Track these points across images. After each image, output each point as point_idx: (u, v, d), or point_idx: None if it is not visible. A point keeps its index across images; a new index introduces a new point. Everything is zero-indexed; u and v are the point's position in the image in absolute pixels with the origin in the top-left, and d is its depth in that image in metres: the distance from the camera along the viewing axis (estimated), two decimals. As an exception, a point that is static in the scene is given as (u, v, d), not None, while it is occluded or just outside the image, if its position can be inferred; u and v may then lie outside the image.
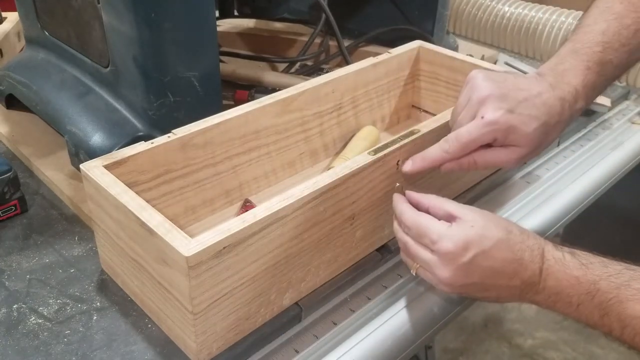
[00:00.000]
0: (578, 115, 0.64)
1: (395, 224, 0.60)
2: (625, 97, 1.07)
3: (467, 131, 0.59)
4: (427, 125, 0.66)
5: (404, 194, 0.60)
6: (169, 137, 0.61)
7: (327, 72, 0.97)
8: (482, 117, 0.58)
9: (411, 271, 0.58)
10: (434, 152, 0.61)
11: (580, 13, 1.11)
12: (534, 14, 1.16)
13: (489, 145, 0.60)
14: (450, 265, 0.53)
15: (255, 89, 0.92)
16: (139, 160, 0.59)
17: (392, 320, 0.62)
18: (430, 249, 0.54)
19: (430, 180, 0.68)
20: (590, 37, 0.65)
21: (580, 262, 0.54)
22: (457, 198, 0.75)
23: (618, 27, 0.65)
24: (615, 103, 1.04)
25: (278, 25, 1.15)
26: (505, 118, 0.58)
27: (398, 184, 0.63)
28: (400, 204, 0.59)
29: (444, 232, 0.54)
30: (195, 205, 0.67)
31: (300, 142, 0.76)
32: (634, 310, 0.51)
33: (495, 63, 1.14)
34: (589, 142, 0.95)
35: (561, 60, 0.64)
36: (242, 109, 0.67)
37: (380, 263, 0.67)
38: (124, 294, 0.61)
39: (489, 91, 0.59)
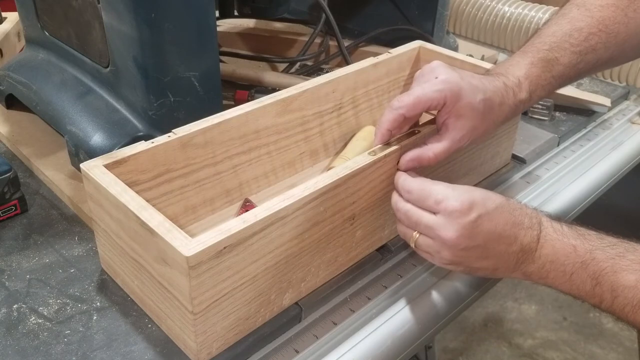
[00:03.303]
0: (523, 109, 0.66)
1: (395, 196, 0.59)
2: (625, 97, 1.07)
3: (420, 88, 0.60)
4: (427, 125, 0.66)
5: None
6: (169, 136, 0.61)
7: (327, 72, 0.97)
8: (436, 77, 0.60)
9: (410, 243, 0.58)
10: (386, 115, 0.61)
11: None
12: (534, 14, 1.16)
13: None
14: (455, 225, 0.53)
15: (255, 89, 0.92)
16: (139, 160, 0.59)
17: (392, 320, 0.62)
18: (434, 210, 0.54)
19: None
20: (540, 39, 0.68)
21: (577, 233, 0.55)
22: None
23: (570, 29, 0.67)
24: (615, 103, 1.04)
25: (278, 25, 1.15)
26: (456, 79, 0.60)
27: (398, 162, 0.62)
28: (401, 174, 0.59)
29: (449, 192, 0.54)
30: (195, 205, 0.67)
31: (300, 142, 0.76)
32: (627, 280, 0.51)
33: (495, 63, 1.14)
34: (589, 142, 0.95)
35: (509, 60, 0.67)
36: (242, 109, 0.67)
37: (380, 263, 0.67)
38: (124, 294, 0.61)
39: (442, 64, 0.62)
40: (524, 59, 0.66)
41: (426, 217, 0.55)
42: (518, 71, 0.65)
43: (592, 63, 0.68)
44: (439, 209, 0.54)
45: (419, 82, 0.62)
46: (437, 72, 0.61)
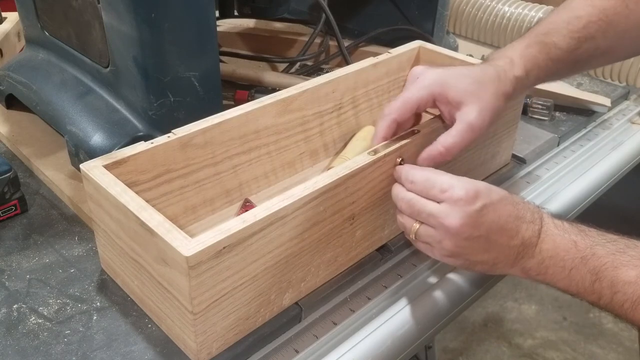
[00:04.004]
0: (523, 88, 0.67)
1: (396, 187, 0.59)
2: (625, 97, 1.07)
3: (407, 91, 0.63)
4: (427, 125, 0.66)
5: None
6: (169, 137, 0.61)
7: (327, 72, 0.97)
8: (418, 78, 0.63)
9: (409, 235, 0.57)
10: (379, 124, 0.63)
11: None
12: (534, 14, 1.16)
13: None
14: (460, 212, 0.53)
15: (255, 89, 0.92)
16: (139, 160, 0.59)
17: (392, 320, 0.62)
18: (439, 199, 0.54)
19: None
20: (539, 26, 0.69)
21: (578, 229, 0.55)
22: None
23: (569, 16, 0.68)
24: (615, 103, 1.04)
25: (278, 25, 1.15)
26: (438, 75, 0.63)
27: (399, 159, 0.62)
28: (402, 167, 0.60)
29: (454, 182, 0.54)
30: (195, 205, 0.67)
31: (300, 142, 0.76)
32: (627, 276, 0.51)
33: (495, 63, 1.14)
34: (589, 142, 0.95)
35: (507, 46, 0.69)
36: (242, 109, 0.67)
37: (380, 263, 0.67)
38: (124, 294, 0.61)
39: (423, 67, 0.66)
40: (520, 43, 0.68)
41: (430, 205, 0.55)
42: (512, 52, 0.66)
43: (590, 51, 0.68)
44: (443, 197, 0.54)
45: (405, 87, 0.65)
46: (419, 73, 0.64)
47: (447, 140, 0.60)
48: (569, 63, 0.68)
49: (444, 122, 0.66)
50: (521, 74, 0.65)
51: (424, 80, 0.63)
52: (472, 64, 0.67)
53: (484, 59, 0.69)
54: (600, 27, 0.67)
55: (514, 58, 0.65)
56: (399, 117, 0.62)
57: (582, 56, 0.68)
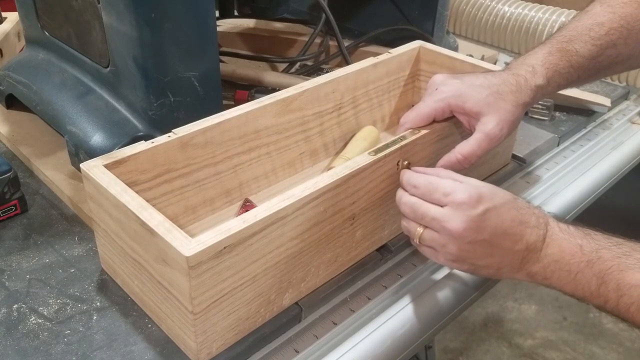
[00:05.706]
0: (543, 95, 0.67)
1: (399, 192, 0.59)
2: (625, 97, 1.07)
3: (423, 102, 0.65)
4: (427, 125, 0.66)
5: None
6: (169, 136, 0.61)
7: (327, 72, 0.97)
8: (436, 89, 0.64)
9: (413, 240, 0.57)
10: (398, 132, 0.65)
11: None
12: (534, 14, 1.16)
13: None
14: (463, 216, 0.53)
15: (255, 89, 0.92)
16: (139, 160, 0.59)
17: (392, 320, 0.62)
18: (442, 203, 0.54)
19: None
20: (560, 33, 0.70)
21: (583, 232, 0.55)
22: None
23: (591, 23, 0.69)
24: (615, 103, 1.04)
25: (278, 25, 1.15)
26: (455, 87, 0.64)
27: (406, 162, 0.63)
28: (406, 171, 0.60)
29: (457, 185, 0.54)
30: (195, 205, 0.67)
31: (300, 142, 0.76)
32: (633, 279, 0.51)
33: (495, 63, 1.14)
34: (589, 142, 0.95)
35: (529, 52, 0.69)
36: (242, 109, 0.67)
37: (380, 263, 0.67)
38: (124, 294, 0.61)
39: (443, 75, 0.67)
40: (541, 50, 0.68)
41: (433, 209, 0.55)
42: (534, 60, 0.67)
43: (612, 57, 0.69)
44: (446, 201, 0.54)
45: (423, 97, 0.66)
46: (438, 83, 0.65)
47: (464, 148, 0.62)
48: (590, 70, 0.69)
49: (459, 129, 0.68)
50: (542, 83, 0.65)
51: (441, 93, 0.64)
52: (492, 72, 0.67)
53: (506, 65, 0.70)
54: (621, 33, 0.67)
55: (535, 66, 0.66)
56: (413, 127, 0.65)
57: (603, 63, 0.69)
